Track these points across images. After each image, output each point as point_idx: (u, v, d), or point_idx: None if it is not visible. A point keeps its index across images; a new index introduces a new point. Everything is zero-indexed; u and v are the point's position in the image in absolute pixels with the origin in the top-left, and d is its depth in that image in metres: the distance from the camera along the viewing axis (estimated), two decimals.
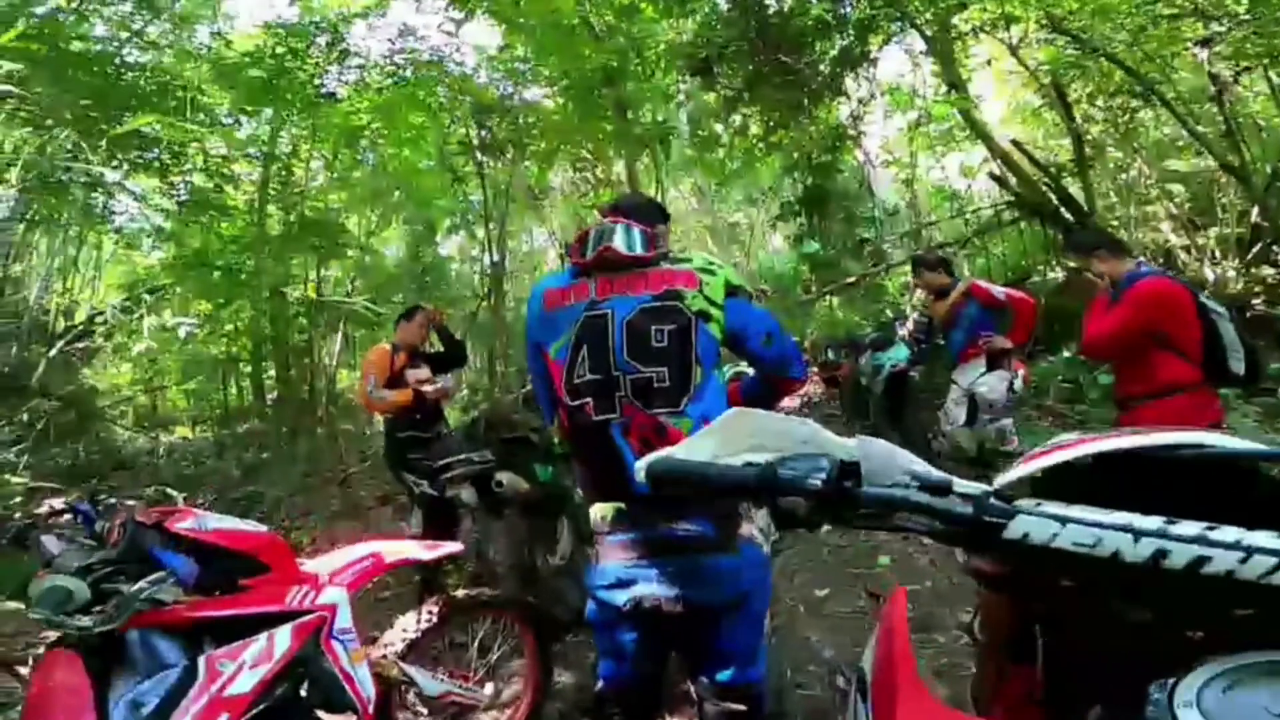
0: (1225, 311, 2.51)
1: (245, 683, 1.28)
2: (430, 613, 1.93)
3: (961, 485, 0.60)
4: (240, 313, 9.21)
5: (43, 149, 6.60)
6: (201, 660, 1.27)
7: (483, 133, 6.53)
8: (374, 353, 3.75)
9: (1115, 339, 2.49)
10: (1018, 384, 3.78)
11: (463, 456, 2.99)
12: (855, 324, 7.90)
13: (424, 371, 3.60)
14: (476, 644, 2.14)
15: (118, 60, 5.57)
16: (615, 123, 6.07)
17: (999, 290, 3.89)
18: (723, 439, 0.76)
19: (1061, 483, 0.63)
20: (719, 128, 9.31)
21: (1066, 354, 6.23)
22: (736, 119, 9.04)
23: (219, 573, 1.41)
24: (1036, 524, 0.55)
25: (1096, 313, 2.58)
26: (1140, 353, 2.48)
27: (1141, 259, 2.77)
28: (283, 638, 1.36)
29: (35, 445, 7.26)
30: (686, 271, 1.44)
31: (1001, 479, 0.65)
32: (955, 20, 7.77)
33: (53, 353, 8.81)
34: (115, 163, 6.18)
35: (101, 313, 10.15)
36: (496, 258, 8.36)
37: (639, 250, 1.45)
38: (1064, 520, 0.54)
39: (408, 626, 1.89)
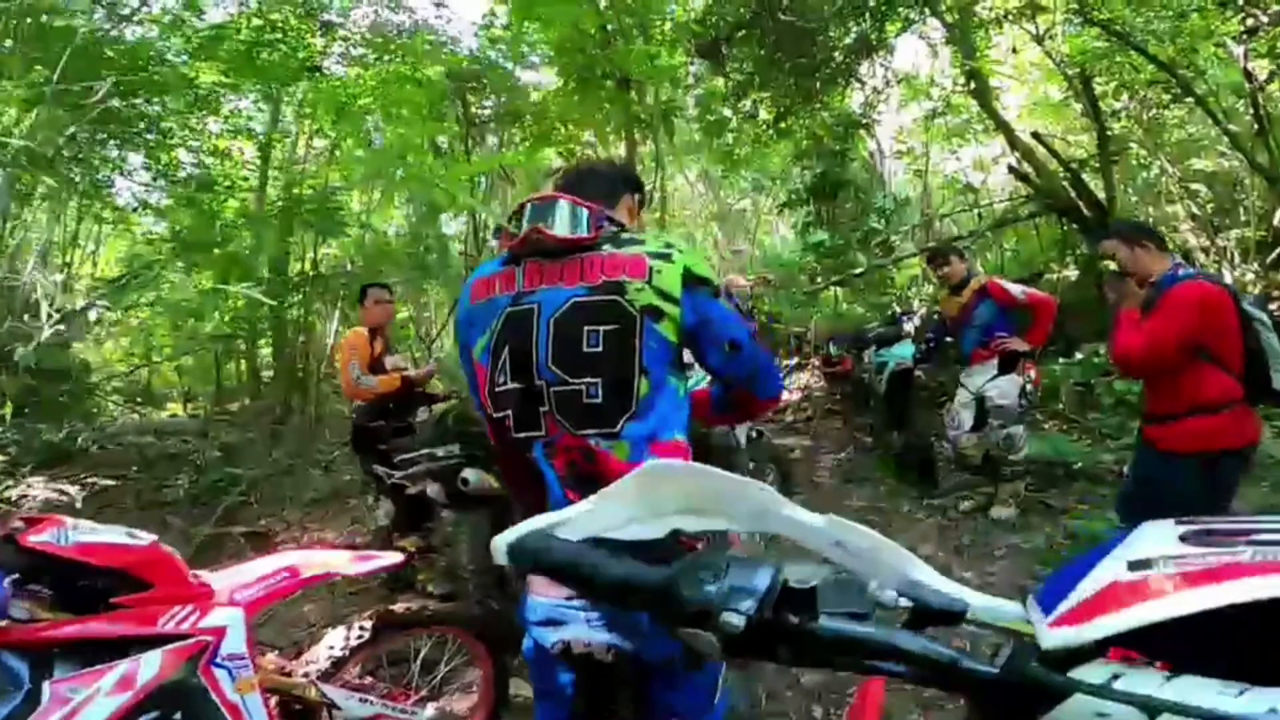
0: (1268, 319, 2.25)
1: (98, 712, 1.11)
2: (362, 628, 1.74)
3: (983, 607, 0.38)
4: (237, 290, 9.07)
5: (32, 126, 6.43)
6: (47, 685, 1.10)
7: (472, 109, 6.26)
8: (353, 337, 3.50)
9: (1154, 352, 2.18)
10: (1030, 389, 3.54)
11: (425, 452, 2.79)
12: (861, 317, 7.65)
13: (401, 359, 3.43)
14: (419, 660, 1.94)
15: (100, 35, 5.34)
16: (615, 98, 5.78)
17: (1017, 289, 3.64)
18: (638, 499, 0.56)
19: None
20: (727, 112, 9.01)
21: (1079, 356, 5.97)
22: (746, 104, 8.76)
23: (86, 590, 1.22)
24: (1107, 712, 0.33)
25: (1127, 320, 2.27)
26: (1176, 364, 2.21)
27: (1179, 259, 2.48)
28: (149, 663, 1.18)
29: (20, 421, 7.13)
30: (634, 256, 1.17)
31: (1057, 634, 0.38)
32: (978, 8, 7.46)
33: (47, 330, 8.68)
34: (102, 138, 5.99)
35: (97, 287, 10.02)
36: (492, 239, 8.12)
37: (579, 231, 1.18)
38: (1155, 709, 0.32)
39: (334, 643, 1.70)
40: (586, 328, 1.14)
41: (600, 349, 1.14)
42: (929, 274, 8.40)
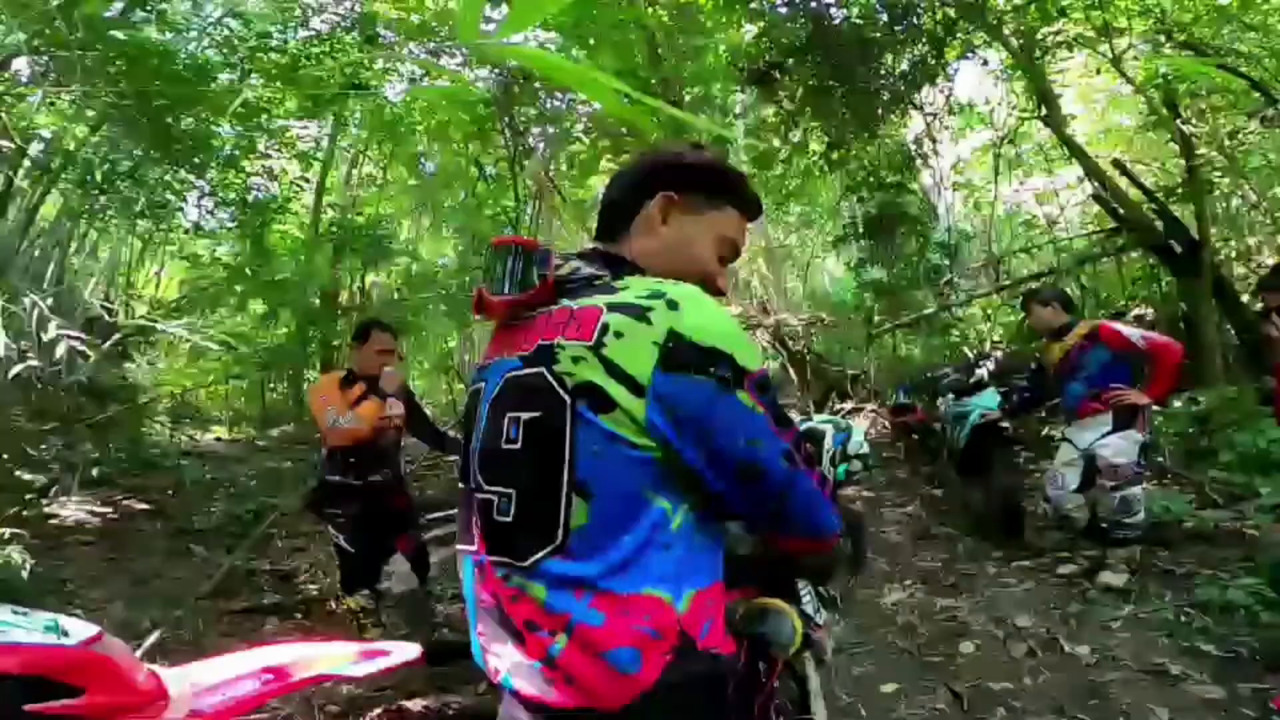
0: None
1: None
2: None
3: None
4: (289, 314, 9.19)
5: (97, 144, 6.60)
6: None
7: (519, 121, 6.09)
8: (323, 382, 3.19)
9: None
10: (1149, 446, 3.08)
11: (451, 513, 2.46)
12: (922, 360, 7.17)
13: (398, 407, 2.99)
14: None
15: (160, 48, 5.41)
16: (666, 120, 5.58)
17: (1134, 333, 3.22)
18: None
19: None
20: (776, 142, 8.76)
21: (1177, 404, 5.37)
22: (796, 134, 8.49)
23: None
24: None
25: None
26: None
27: None
28: None
29: (68, 440, 7.18)
30: (588, 310, 0.79)
31: None
32: (1046, 30, 7.09)
33: (106, 346, 8.83)
34: (157, 157, 6.08)
35: (158, 307, 10.26)
36: None
37: (521, 287, 0.85)
38: None
39: None
40: (508, 415, 0.82)
41: (518, 446, 0.80)
42: (995, 315, 7.93)
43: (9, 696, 0.92)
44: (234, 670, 1.19)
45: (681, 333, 0.74)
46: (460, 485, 0.92)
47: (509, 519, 0.80)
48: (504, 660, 0.81)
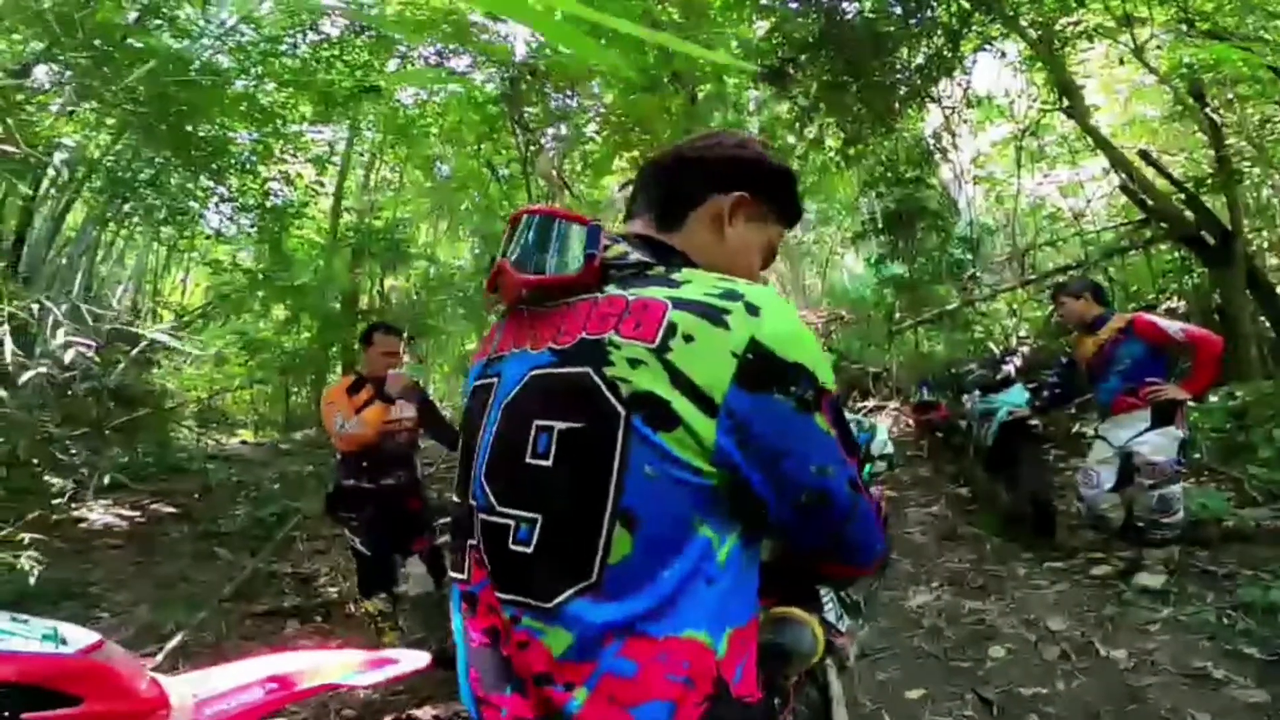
0: None
1: None
2: None
3: None
4: (309, 319, 9.32)
5: (120, 153, 6.73)
6: None
7: (528, 117, 6.05)
8: (333, 388, 3.19)
9: None
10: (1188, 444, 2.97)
11: None
12: (945, 356, 7.03)
13: (409, 409, 3.01)
14: None
15: (173, 53, 5.48)
16: (679, 111, 5.52)
17: (1173, 326, 3.10)
18: None
19: None
20: (792, 139, 8.68)
21: (1214, 399, 5.21)
22: (812, 130, 8.41)
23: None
24: None
25: None
26: None
27: None
28: None
29: (95, 444, 7.32)
30: (649, 303, 0.68)
31: None
32: (1065, 21, 6.95)
33: (134, 352, 9.02)
34: (177, 164, 6.17)
35: (184, 314, 10.46)
36: None
37: (560, 266, 0.73)
38: None
39: None
40: (537, 423, 0.69)
41: (549, 462, 0.67)
42: (1020, 310, 7.80)
43: (6, 705, 0.90)
44: (239, 679, 1.17)
45: (763, 343, 0.65)
46: (455, 500, 0.79)
47: (529, 549, 0.67)
48: (506, 715, 0.71)
